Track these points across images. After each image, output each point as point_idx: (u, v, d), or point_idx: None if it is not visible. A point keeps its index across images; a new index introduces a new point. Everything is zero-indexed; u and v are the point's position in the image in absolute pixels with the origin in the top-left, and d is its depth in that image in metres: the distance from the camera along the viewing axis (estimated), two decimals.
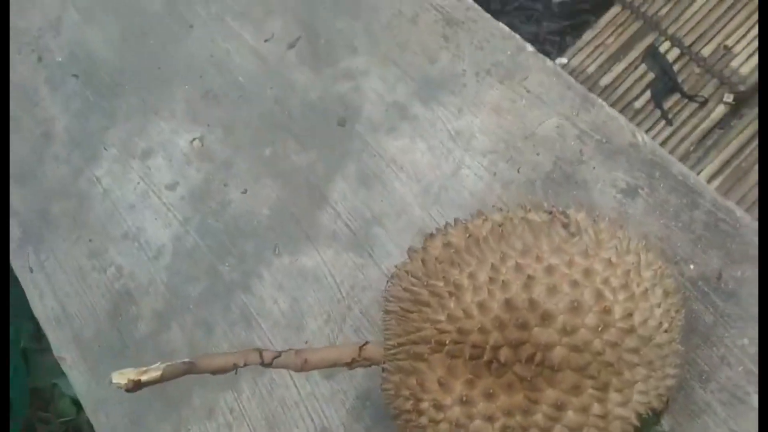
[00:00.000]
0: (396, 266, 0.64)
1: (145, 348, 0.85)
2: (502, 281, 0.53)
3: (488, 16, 0.83)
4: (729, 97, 1.77)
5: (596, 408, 0.52)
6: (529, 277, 0.52)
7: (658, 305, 0.53)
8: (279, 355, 0.63)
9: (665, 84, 1.77)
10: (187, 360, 0.62)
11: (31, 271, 0.95)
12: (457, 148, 0.79)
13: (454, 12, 0.85)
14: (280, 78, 0.91)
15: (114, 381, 0.60)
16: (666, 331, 0.53)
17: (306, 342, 0.78)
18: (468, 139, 0.79)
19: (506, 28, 0.82)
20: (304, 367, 0.64)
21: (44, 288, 0.93)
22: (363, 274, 0.78)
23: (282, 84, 0.90)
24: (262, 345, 0.80)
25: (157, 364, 0.61)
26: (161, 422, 0.81)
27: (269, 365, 0.63)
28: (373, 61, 0.87)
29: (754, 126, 1.75)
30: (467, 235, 0.59)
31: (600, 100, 0.76)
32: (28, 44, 1.09)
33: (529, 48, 0.80)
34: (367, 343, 0.63)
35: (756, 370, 0.63)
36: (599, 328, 0.51)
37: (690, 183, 0.70)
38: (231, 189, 0.88)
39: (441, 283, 0.56)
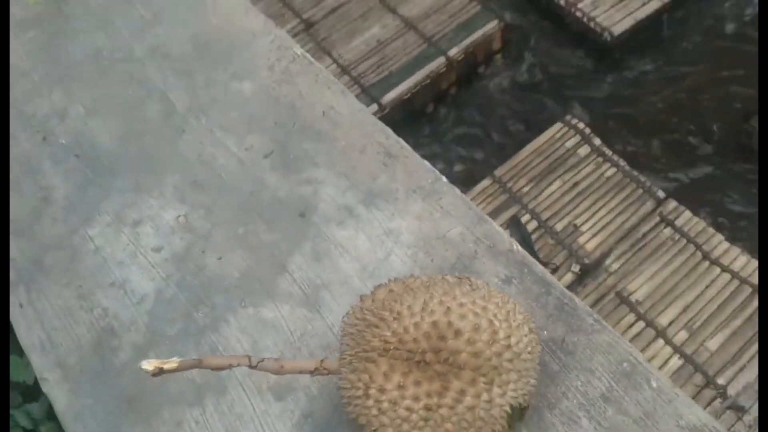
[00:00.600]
0: (351, 306, 0.91)
1: (123, 373, 1.05)
2: (431, 310, 0.82)
3: (416, 154, 1.17)
4: (576, 268, 2.22)
5: (485, 396, 0.80)
6: (448, 308, 0.82)
7: (526, 335, 0.84)
8: (263, 360, 0.88)
9: (525, 249, 2.24)
10: (196, 357, 0.86)
11: (21, 306, 1.13)
12: (389, 241, 1.10)
13: (391, 149, 1.19)
14: (255, 178, 1.20)
15: (143, 367, 0.82)
16: (529, 353, 0.84)
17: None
18: (397, 235, 1.10)
19: (428, 164, 1.16)
20: (279, 371, 0.88)
21: (32, 320, 1.11)
22: (312, 326, 1.04)
23: (256, 182, 1.19)
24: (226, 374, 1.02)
25: (174, 358, 0.84)
26: None
27: (255, 367, 0.87)
28: (330, 174, 1.18)
29: (595, 294, 2.17)
30: (404, 285, 0.88)
31: (489, 219, 1.10)
32: (33, 126, 1.32)
33: (444, 179, 1.15)
34: (326, 358, 0.89)
35: (586, 403, 0.94)
36: (490, 343, 0.80)
37: (546, 279, 1.04)
38: (208, 255, 1.13)
39: (387, 312, 0.84)
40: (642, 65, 4.52)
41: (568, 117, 2.77)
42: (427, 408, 0.80)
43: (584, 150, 2.63)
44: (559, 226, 2.36)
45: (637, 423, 0.92)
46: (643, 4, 4.25)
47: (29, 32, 1.46)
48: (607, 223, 2.34)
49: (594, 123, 2.97)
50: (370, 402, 0.81)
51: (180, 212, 1.18)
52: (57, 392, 1.05)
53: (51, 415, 1.22)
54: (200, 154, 1.24)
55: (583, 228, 2.34)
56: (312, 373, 0.89)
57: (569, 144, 2.65)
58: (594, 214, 2.39)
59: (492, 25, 3.99)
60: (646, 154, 3.24)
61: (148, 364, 0.83)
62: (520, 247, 1.07)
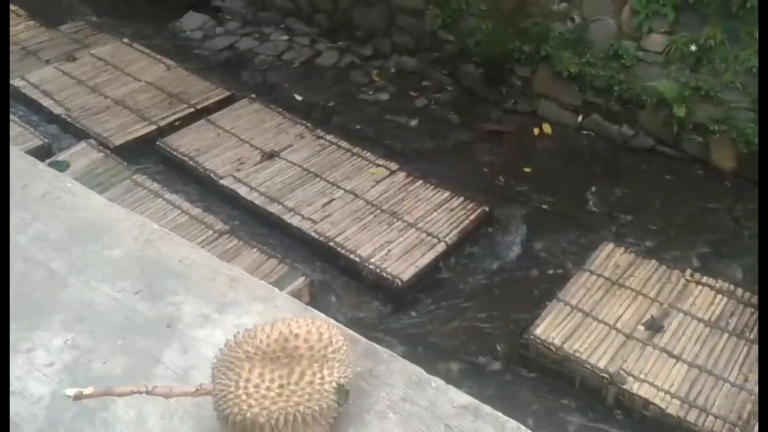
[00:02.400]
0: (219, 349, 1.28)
1: None
2: (278, 327, 1.23)
3: (255, 278, 1.61)
4: None
5: (318, 375, 1.20)
6: (289, 323, 1.24)
7: (342, 340, 1.27)
8: (156, 387, 1.21)
9: None
10: (107, 386, 1.18)
11: None
12: (241, 331, 1.49)
13: (235, 276, 1.63)
14: (128, 307, 1.56)
15: (67, 393, 1.14)
16: (345, 352, 1.26)
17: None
18: (246, 326, 1.50)
19: (263, 282, 1.61)
20: (169, 394, 1.22)
21: None
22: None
23: (130, 310, 1.55)
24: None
25: (90, 387, 1.16)
26: None
27: (150, 393, 1.20)
28: (189, 297, 1.57)
29: None
30: (256, 326, 1.29)
31: (314, 309, 1.54)
32: None
33: (276, 290, 1.59)
34: (203, 383, 1.24)
35: (391, 404, 1.34)
36: (318, 341, 1.22)
37: (355, 337, 1.48)
38: (93, 362, 1.44)
39: (246, 338, 1.24)
40: (431, 303, 5.33)
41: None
42: (280, 386, 1.18)
43: None
44: None
45: (426, 410, 1.34)
46: (422, 255, 5.18)
47: None
48: None
49: (398, 352, 3.53)
50: (240, 391, 1.18)
51: (67, 337, 1.50)
52: None
53: None
54: (81, 299, 1.59)
55: None
56: (193, 394, 1.23)
57: None
58: None
59: (299, 282, 4.65)
60: (443, 374, 3.83)
61: (71, 391, 1.14)
62: (333, 321, 1.51)
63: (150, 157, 5.46)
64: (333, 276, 4.98)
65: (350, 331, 1.49)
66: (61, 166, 5.24)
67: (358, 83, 6.63)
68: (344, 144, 5.74)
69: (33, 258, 1.70)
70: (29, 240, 1.75)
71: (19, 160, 2.01)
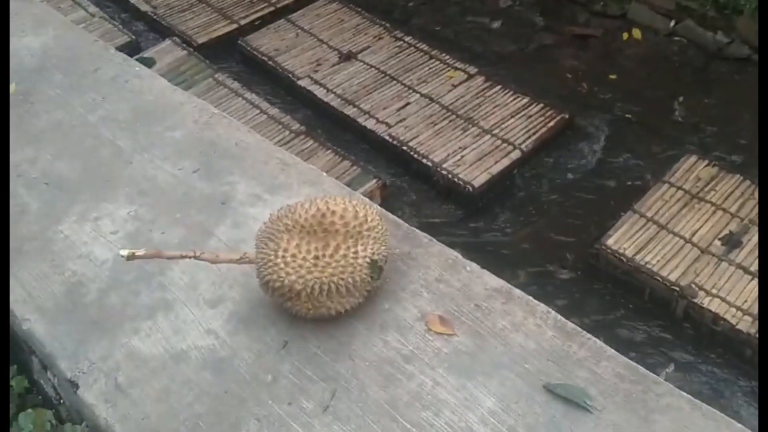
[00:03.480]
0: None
1: (90, 307, 1.40)
2: (316, 203, 1.28)
3: (305, 162, 1.66)
4: None
5: (352, 249, 1.25)
6: (326, 201, 1.28)
7: (378, 219, 1.30)
8: (203, 252, 1.29)
9: None
10: (157, 249, 1.26)
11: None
12: None
13: (287, 160, 1.68)
14: (187, 184, 1.64)
15: (121, 253, 1.23)
16: (380, 230, 1.30)
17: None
18: None
19: (313, 166, 1.65)
20: (215, 260, 1.30)
21: (14, 286, 1.45)
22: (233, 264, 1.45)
23: (188, 187, 1.63)
24: None
25: (142, 249, 1.24)
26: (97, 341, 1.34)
27: (197, 257, 1.29)
28: (243, 178, 1.64)
29: None
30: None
31: (358, 193, 1.58)
32: (13, 172, 1.73)
33: (324, 174, 1.63)
34: (247, 251, 1.32)
35: (426, 284, 1.38)
36: (354, 218, 1.26)
37: (397, 222, 1.51)
38: (153, 232, 1.54)
39: (286, 212, 1.29)
40: (501, 211, 5.30)
41: None
42: (315, 257, 1.24)
43: None
44: None
45: (458, 290, 1.38)
46: (496, 162, 5.12)
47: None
48: None
49: (464, 257, 3.54)
50: (279, 260, 1.24)
51: (130, 209, 1.60)
52: (37, 327, 1.39)
53: (16, 373, 1.49)
54: (144, 175, 1.68)
55: None
56: (237, 261, 1.31)
57: None
58: None
59: (371, 183, 4.70)
60: (514, 283, 3.84)
61: (124, 252, 1.23)
62: (377, 206, 1.55)
63: (231, 56, 5.54)
64: (405, 180, 5.01)
65: (392, 216, 1.52)
66: (149, 63, 5.39)
67: None
68: (423, 46, 5.63)
69: (101, 136, 1.80)
70: (98, 119, 1.85)
71: (90, 45, 2.09)
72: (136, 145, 1.76)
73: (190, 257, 1.29)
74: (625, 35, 5.67)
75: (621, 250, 4.45)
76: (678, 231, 4.42)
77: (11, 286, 1.46)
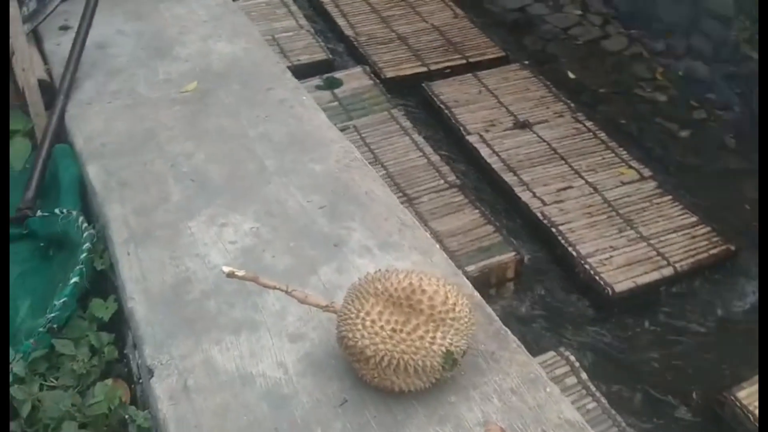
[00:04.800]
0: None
1: (189, 305, 1.50)
2: (410, 277, 1.29)
3: (422, 228, 1.68)
4: None
5: (431, 333, 1.24)
6: (421, 278, 1.29)
7: (467, 309, 1.29)
8: (295, 290, 1.34)
9: None
10: (256, 274, 1.33)
11: (128, 254, 1.61)
12: None
13: (407, 222, 1.71)
14: (310, 218, 1.72)
15: (223, 269, 1.30)
16: (467, 321, 1.28)
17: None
18: None
19: (428, 234, 1.67)
20: (304, 300, 1.35)
21: (134, 263, 1.60)
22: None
23: (310, 220, 1.71)
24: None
25: (242, 270, 1.31)
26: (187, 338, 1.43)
27: (288, 293, 1.34)
28: (361, 227, 1.69)
29: None
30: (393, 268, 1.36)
31: (461, 273, 1.57)
32: (167, 158, 1.89)
33: (437, 246, 1.64)
34: (335, 301, 1.35)
35: (499, 390, 1.35)
36: (442, 303, 1.26)
37: (492, 316, 1.49)
38: (266, 253, 1.62)
39: (380, 276, 1.31)
40: (635, 324, 5.01)
41: (561, 348, 3.13)
42: (393, 329, 1.25)
43: (571, 380, 2.94)
44: None
45: (531, 409, 1.33)
46: (645, 273, 4.86)
47: (177, 106, 2.10)
48: None
49: (584, 360, 3.33)
50: (358, 321, 1.26)
51: (254, 225, 1.70)
52: (138, 308, 1.50)
53: (112, 341, 1.61)
54: (277, 198, 1.78)
55: None
56: (324, 308, 1.35)
57: (558, 372, 2.96)
58: None
59: (509, 255, 4.61)
60: (626, 400, 3.60)
61: (226, 268, 1.31)
62: (478, 294, 1.53)
63: (412, 96, 5.71)
64: (544, 262, 4.87)
65: (490, 311, 1.50)
66: (336, 84, 5.67)
67: (638, 77, 6.23)
68: (602, 135, 5.48)
69: (254, 151, 1.93)
70: (257, 135, 1.98)
71: (273, 65, 2.25)
72: (279, 168, 1.87)
73: (282, 290, 1.34)
74: None
75: (751, 407, 4.07)
76: None
77: (132, 264, 1.60)
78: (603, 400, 2.77)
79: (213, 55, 2.26)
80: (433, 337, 1.25)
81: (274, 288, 1.34)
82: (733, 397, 4.44)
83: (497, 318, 1.49)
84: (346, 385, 1.35)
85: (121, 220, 1.71)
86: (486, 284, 3.65)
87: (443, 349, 1.26)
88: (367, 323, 1.25)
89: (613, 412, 2.74)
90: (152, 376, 1.39)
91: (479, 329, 1.45)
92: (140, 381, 1.52)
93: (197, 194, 1.78)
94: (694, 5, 6.45)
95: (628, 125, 5.90)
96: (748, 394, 4.26)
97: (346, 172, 1.85)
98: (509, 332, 1.46)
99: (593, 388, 2.82)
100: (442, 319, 1.27)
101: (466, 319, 1.30)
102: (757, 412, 4.16)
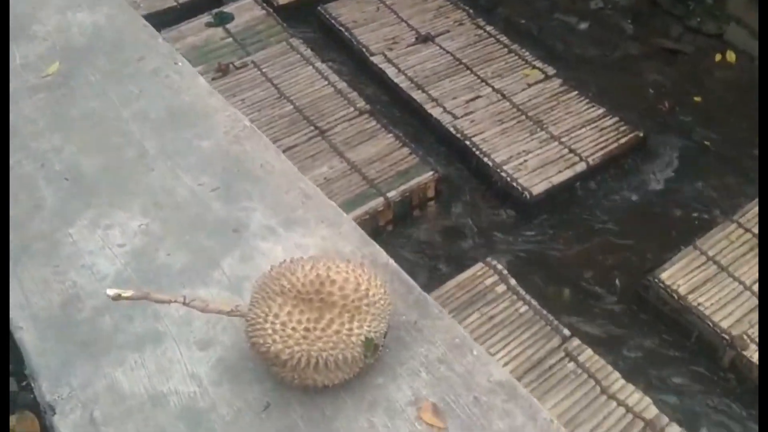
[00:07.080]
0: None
1: (82, 325, 1.36)
2: (317, 268, 1.19)
3: (326, 196, 1.57)
4: None
5: (347, 325, 1.16)
6: (329, 267, 1.19)
7: (381, 293, 1.21)
8: (194, 300, 1.22)
9: None
10: (146, 291, 1.20)
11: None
12: (299, 252, 1.47)
13: (309, 192, 1.59)
14: (203, 204, 1.58)
15: (107, 292, 1.17)
16: (382, 305, 1.20)
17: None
18: (305, 249, 1.48)
19: (333, 203, 1.56)
20: (205, 309, 1.23)
21: (15, 287, 1.43)
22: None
23: (204, 207, 1.57)
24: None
25: (129, 290, 1.18)
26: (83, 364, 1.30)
27: (187, 304, 1.22)
28: (260, 206, 1.56)
29: None
30: (299, 259, 1.26)
31: (373, 242, 1.49)
32: (35, 156, 1.70)
33: (344, 215, 1.54)
34: (239, 304, 1.24)
35: (426, 363, 1.29)
36: (354, 291, 1.17)
37: (410, 284, 1.41)
38: (160, 252, 1.49)
39: (285, 271, 1.21)
40: (556, 223, 5.10)
41: (489, 259, 3.14)
42: (306, 329, 1.15)
43: (501, 288, 2.95)
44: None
45: (459, 377, 1.28)
46: (559, 172, 4.91)
47: (40, 94, 1.88)
48: (517, 354, 2.59)
49: (511, 266, 3.37)
50: (267, 325, 1.17)
51: (143, 222, 1.55)
52: (27, 336, 1.36)
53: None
54: (163, 186, 1.63)
55: (496, 357, 2.65)
56: (227, 313, 1.24)
57: (488, 282, 2.97)
58: (506, 345, 2.73)
59: (427, 175, 4.56)
60: (555, 297, 3.66)
61: (111, 291, 1.18)
62: (393, 262, 1.45)
63: (309, 22, 5.43)
64: (462, 176, 4.83)
65: (407, 278, 1.43)
66: (227, 18, 5.34)
67: None
68: (503, 38, 5.38)
69: (130, 134, 1.75)
70: (131, 115, 1.80)
71: (140, 30, 2.04)
72: (161, 150, 1.70)
73: (179, 303, 1.22)
74: (718, 56, 5.30)
75: (674, 287, 4.23)
76: (739, 276, 4.15)
77: (12, 287, 1.44)
78: (533, 302, 2.81)
79: (73, 28, 2.02)
80: (350, 329, 1.17)
81: (170, 302, 1.22)
82: (656, 279, 4.62)
83: (415, 284, 1.42)
84: (267, 387, 1.27)
85: None
86: (409, 207, 3.61)
87: (362, 338, 1.18)
88: (278, 326, 1.16)
89: (545, 312, 2.79)
90: (54, 413, 1.27)
91: (398, 299, 1.38)
92: (45, 413, 1.40)
93: (74, 195, 1.61)
94: None
95: (527, 25, 5.82)
96: (669, 275, 4.43)
97: (237, 144, 1.70)
98: (429, 298, 1.40)
99: (523, 292, 2.86)
100: (357, 308, 1.18)
101: (382, 302, 1.22)
102: (680, 290, 4.35)
